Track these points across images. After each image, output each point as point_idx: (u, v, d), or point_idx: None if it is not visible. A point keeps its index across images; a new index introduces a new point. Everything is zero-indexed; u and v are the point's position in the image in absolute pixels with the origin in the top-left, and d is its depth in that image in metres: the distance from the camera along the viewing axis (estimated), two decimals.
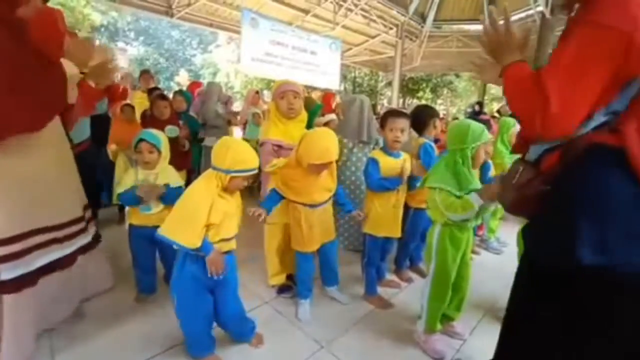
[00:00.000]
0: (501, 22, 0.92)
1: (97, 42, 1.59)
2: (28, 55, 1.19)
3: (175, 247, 1.29)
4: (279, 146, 1.83)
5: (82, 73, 1.47)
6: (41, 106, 1.26)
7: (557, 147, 0.88)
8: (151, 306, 1.85)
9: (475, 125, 1.47)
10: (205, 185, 1.32)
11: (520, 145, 1.08)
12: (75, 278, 1.51)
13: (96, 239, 1.68)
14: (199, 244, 1.27)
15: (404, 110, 2.36)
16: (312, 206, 1.72)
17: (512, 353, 1.08)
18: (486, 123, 2.11)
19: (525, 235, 1.01)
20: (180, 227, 1.27)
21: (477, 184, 1.47)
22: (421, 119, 2.22)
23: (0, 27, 1.12)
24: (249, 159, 1.32)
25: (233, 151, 1.30)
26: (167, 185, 1.75)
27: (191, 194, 1.32)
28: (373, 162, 1.85)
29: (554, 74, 0.77)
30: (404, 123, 1.85)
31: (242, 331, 1.56)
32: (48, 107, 1.31)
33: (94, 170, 2.65)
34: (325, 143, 1.57)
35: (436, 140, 2.27)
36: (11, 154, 1.23)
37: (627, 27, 0.70)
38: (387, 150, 1.90)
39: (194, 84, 5.04)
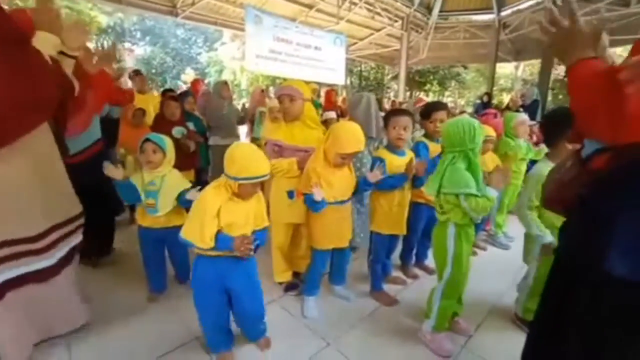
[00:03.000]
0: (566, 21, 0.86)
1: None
2: None
3: (191, 247, 1.34)
4: (279, 146, 1.85)
5: (62, 54, 1.33)
6: (24, 104, 1.12)
7: (609, 149, 0.82)
8: (163, 305, 1.90)
9: (472, 123, 1.45)
10: (214, 190, 1.34)
11: (576, 136, 1.02)
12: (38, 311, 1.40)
13: (76, 250, 1.54)
14: (211, 245, 1.30)
15: (406, 108, 2.32)
16: (341, 202, 1.75)
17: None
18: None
19: (561, 234, 0.96)
20: (194, 229, 1.32)
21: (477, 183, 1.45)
22: (423, 116, 2.20)
23: None
24: (256, 166, 1.30)
25: (240, 159, 1.29)
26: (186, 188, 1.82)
27: (202, 199, 1.35)
28: (379, 161, 1.85)
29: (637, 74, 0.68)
30: (407, 121, 1.85)
31: (251, 330, 1.59)
32: (33, 104, 1.16)
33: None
34: (354, 134, 1.65)
35: None
36: None
37: None
38: (392, 148, 1.90)
39: (196, 82, 5.03)
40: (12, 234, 1.26)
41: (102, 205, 2.02)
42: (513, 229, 3.03)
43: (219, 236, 1.32)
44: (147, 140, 1.75)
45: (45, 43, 1.23)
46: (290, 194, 1.80)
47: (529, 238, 1.79)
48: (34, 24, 1.24)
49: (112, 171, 1.74)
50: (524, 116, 2.89)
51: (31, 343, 1.42)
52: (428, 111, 2.14)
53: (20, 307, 1.33)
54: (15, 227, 1.26)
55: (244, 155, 1.31)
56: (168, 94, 3.10)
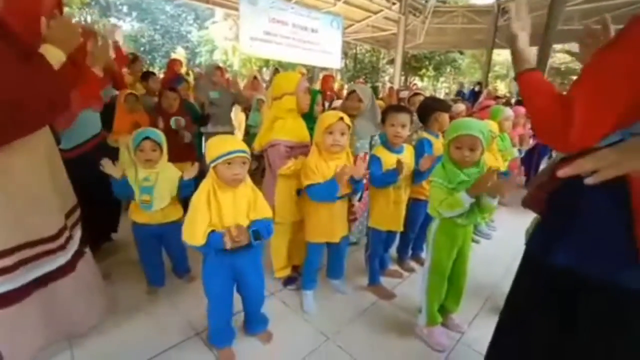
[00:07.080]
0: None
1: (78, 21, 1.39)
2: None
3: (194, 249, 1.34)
4: (291, 147, 1.79)
5: None
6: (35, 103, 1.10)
7: (573, 156, 0.90)
8: (162, 298, 1.91)
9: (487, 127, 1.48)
10: (202, 185, 1.36)
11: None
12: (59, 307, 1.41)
13: (84, 242, 1.54)
14: (202, 241, 1.29)
15: (405, 105, 2.27)
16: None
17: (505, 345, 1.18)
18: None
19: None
20: (188, 229, 1.31)
21: (465, 177, 1.46)
22: (422, 112, 2.18)
23: None
24: (225, 144, 1.30)
25: (213, 144, 1.33)
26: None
27: (194, 196, 1.35)
28: (375, 159, 1.84)
29: (581, 91, 0.77)
30: (405, 118, 1.83)
31: (255, 317, 1.62)
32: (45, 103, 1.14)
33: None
34: (331, 113, 1.70)
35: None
36: None
37: None
38: (389, 146, 1.89)
39: (173, 62, 4.78)
40: (35, 234, 1.26)
41: (107, 194, 1.87)
42: (500, 218, 3.11)
43: (211, 235, 1.30)
44: (147, 138, 1.69)
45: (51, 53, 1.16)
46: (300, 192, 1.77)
47: None
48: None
49: (110, 169, 1.70)
50: (510, 112, 2.85)
51: (38, 347, 1.38)
52: (447, 104, 2.12)
53: (40, 309, 1.32)
54: (37, 227, 1.27)
55: (216, 140, 1.36)
56: (167, 86, 2.97)
